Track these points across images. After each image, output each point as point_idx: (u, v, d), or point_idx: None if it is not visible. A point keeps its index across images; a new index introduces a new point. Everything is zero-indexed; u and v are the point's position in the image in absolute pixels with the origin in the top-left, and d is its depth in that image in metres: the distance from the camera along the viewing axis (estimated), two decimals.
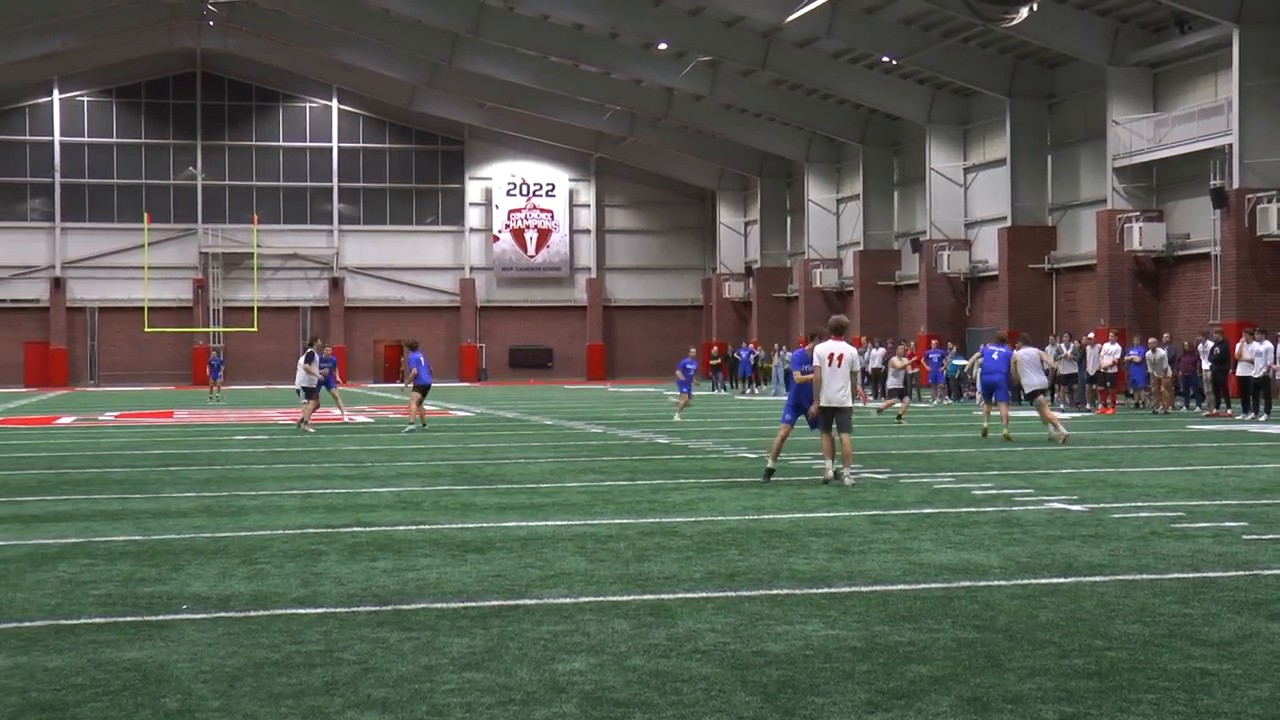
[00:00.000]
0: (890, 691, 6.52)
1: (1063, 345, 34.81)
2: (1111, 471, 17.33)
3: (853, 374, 16.28)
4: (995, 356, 23.91)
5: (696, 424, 29.50)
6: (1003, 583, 9.38)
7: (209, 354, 63.82)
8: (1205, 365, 31.52)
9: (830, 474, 16.05)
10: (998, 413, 23.69)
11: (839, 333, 16.48)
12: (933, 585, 9.31)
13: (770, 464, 16.79)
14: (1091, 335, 35.97)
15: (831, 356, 16.13)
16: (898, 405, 30.87)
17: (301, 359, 30.09)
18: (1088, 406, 34.37)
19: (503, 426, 29.52)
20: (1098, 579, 9.50)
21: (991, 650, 7.34)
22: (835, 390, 16.08)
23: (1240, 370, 29.92)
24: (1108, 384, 33.62)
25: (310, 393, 29.12)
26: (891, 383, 32.30)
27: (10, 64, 63.09)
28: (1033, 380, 24.15)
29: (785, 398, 18.97)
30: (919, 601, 8.75)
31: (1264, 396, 29.52)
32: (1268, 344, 29.92)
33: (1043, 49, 44.93)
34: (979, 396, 25.95)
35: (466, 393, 54.33)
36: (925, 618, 8.21)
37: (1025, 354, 24.43)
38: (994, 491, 15.01)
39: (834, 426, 16.24)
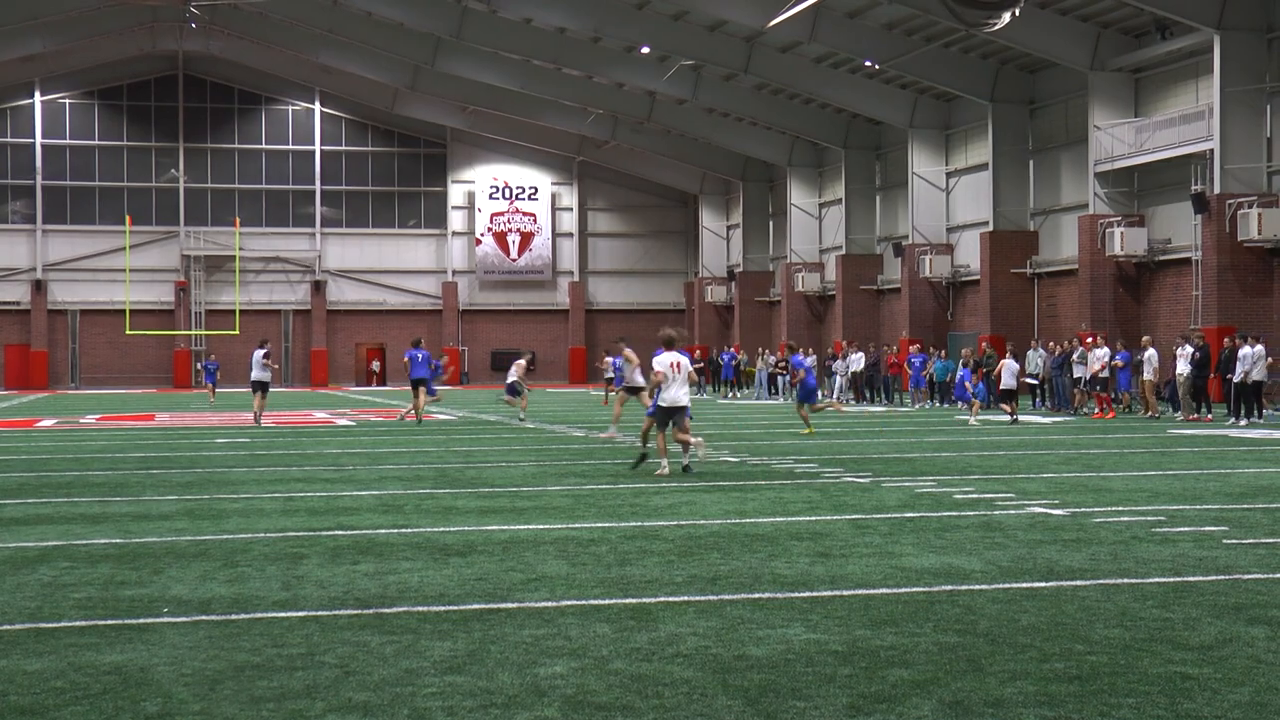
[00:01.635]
0: (871, 695, 6.52)
1: (1104, 351, 34.44)
2: (1093, 476, 17.38)
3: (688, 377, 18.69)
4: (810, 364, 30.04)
5: None
6: (984, 587, 9.40)
7: (201, 359, 62.74)
8: (1186, 369, 31.55)
9: (667, 470, 17.74)
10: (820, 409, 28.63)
11: (671, 345, 18.58)
12: (914, 589, 9.32)
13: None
14: (1089, 340, 36.00)
15: (674, 365, 18.32)
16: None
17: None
18: (1048, 407, 34.58)
19: (484, 430, 29.50)
20: (1079, 583, 9.52)
21: (973, 654, 7.35)
22: (677, 392, 18.23)
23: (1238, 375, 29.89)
24: (1097, 388, 33.68)
25: (261, 387, 31.62)
26: (1008, 383, 32.43)
27: None
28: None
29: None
30: (900, 605, 8.76)
31: (1244, 401, 29.58)
32: (1248, 349, 29.99)
33: (1024, 54, 45.07)
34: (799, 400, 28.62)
35: (448, 396, 54.20)
36: (906, 622, 8.22)
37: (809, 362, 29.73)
38: (975, 496, 15.04)
39: (670, 425, 18.21)
